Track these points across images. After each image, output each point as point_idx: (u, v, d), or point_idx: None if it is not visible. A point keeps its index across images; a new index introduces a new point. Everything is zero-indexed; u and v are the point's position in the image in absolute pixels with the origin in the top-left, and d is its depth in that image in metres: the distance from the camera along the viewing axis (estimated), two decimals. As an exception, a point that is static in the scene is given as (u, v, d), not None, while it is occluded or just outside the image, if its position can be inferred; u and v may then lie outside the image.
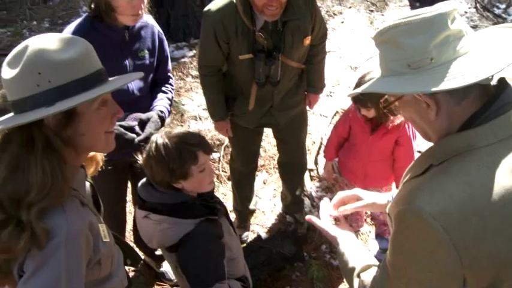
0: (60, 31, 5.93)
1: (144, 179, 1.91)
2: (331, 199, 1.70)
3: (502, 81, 1.14)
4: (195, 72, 4.99)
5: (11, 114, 1.26)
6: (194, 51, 5.35)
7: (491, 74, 1.06)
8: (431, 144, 1.24)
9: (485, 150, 1.07)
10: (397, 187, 2.85)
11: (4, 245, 1.14)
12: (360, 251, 1.46)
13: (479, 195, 1.04)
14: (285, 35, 2.47)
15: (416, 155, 2.73)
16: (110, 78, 1.33)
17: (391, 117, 2.53)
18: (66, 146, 1.26)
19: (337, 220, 1.65)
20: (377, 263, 1.36)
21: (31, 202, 1.16)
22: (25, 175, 1.17)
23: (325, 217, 1.62)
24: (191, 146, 1.78)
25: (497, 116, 1.08)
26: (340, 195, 1.67)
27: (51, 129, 1.21)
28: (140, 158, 1.83)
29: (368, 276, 1.33)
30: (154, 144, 1.79)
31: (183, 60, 5.25)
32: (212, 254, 1.79)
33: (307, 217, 1.64)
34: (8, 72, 1.20)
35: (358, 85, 2.53)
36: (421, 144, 2.96)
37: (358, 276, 1.37)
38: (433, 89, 1.05)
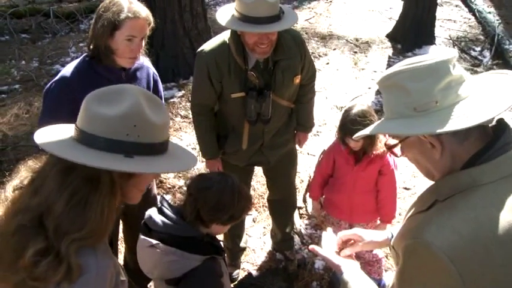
0: (49, 71, 5.96)
1: (153, 208, 1.91)
2: (336, 232, 1.75)
3: (502, 122, 1.22)
4: (184, 112, 5.06)
5: (69, 135, 1.27)
6: (183, 92, 5.43)
7: (492, 117, 1.13)
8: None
9: (488, 187, 1.13)
10: (381, 219, 2.91)
11: (41, 275, 1.15)
12: (364, 280, 1.48)
13: (485, 230, 1.09)
14: (275, 74, 2.55)
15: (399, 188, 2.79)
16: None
17: (375, 147, 2.63)
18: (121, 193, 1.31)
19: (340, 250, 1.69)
20: None
21: (76, 238, 1.18)
22: (84, 212, 1.19)
23: (327, 246, 1.67)
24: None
25: (499, 155, 1.15)
26: (341, 234, 1.72)
27: (117, 175, 1.24)
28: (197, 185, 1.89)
29: None
30: (230, 182, 1.87)
31: (172, 100, 5.32)
32: None
33: (311, 247, 1.68)
34: (101, 109, 1.24)
35: (343, 120, 2.62)
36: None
37: None
38: (439, 130, 1.12)
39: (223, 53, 2.49)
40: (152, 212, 1.88)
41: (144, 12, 2.17)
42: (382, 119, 1.31)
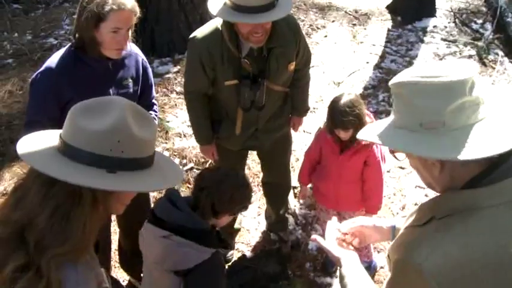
0: (43, 44, 5.82)
1: (163, 198, 1.94)
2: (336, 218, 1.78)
3: None
4: (179, 88, 4.99)
5: (53, 145, 1.25)
6: (179, 67, 5.35)
7: (500, 152, 1.08)
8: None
9: (488, 211, 1.11)
10: (367, 210, 2.90)
11: None
12: (360, 276, 1.48)
13: (477, 257, 1.08)
14: (270, 61, 2.51)
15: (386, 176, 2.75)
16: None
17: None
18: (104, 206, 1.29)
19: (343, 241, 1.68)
20: None
21: (58, 254, 1.16)
22: (66, 227, 1.17)
23: (330, 237, 1.66)
24: None
25: (503, 178, 1.11)
26: (345, 223, 1.73)
27: (99, 190, 1.21)
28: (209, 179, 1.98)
29: None
30: (241, 175, 2.10)
31: (167, 76, 5.24)
32: (220, 284, 1.92)
33: (313, 237, 1.67)
34: (86, 122, 1.21)
35: (332, 111, 2.58)
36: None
37: None
38: (440, 157, 1.10)
39: (216, 40, 2.44)
40: (164, 202, 1.92)
41: (130, 3, 2.09)
42: (390, 122, 1.26)
